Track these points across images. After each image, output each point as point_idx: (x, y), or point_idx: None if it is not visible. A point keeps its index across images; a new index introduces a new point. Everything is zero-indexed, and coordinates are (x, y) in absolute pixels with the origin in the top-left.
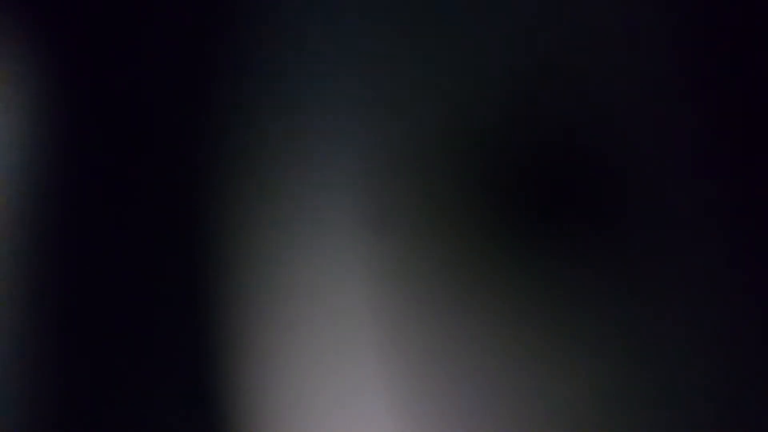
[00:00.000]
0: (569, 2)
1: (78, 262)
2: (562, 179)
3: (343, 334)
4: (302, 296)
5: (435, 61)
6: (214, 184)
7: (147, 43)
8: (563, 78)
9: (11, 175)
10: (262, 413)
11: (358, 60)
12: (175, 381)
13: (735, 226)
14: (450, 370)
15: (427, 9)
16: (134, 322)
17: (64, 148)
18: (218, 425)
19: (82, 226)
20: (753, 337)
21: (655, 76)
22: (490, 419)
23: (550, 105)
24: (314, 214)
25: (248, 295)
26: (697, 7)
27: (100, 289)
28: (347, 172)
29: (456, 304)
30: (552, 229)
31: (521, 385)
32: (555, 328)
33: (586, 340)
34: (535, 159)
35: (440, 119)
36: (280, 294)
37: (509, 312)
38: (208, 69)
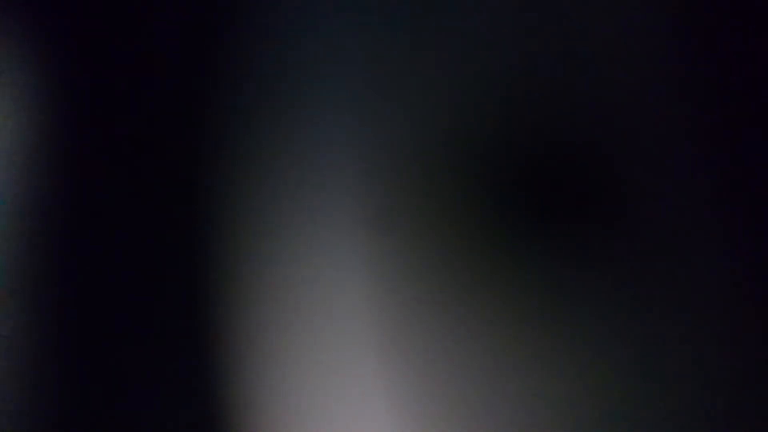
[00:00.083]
0: (569, 2)
1: (78, 262)
2: (562, 179)
3: (343, 334)
4: (302, 296)
5: (435, 61)
6: (214, 184)
7: (147, 43)
8: (563, 78)
9: (11, 175)
10: (262, 413)
11: (358, 60)
12: (175, 381)
13: (735, 226)
14: (450, 370)
15: (428, 9)
16: (134, 321)
17: (64, 148)
18: (218, 425)
19: (82, 226)
20: (753, 337)
21: (654, 76)
22: (490, 419)
23: (550, 105)
24: (314, 214)
25: (248, 295)
26: (697, 7)
27: (100, 289)
28: (347, 173)
29: (456, 304)
30: (552, 229)
31: (521, 385)
32: (555, 328)
33: (586, 340)
34: (535, 159)
35: (440, 119)
36: (280, 294)
37: (509, 312)
38: (208, 69)
